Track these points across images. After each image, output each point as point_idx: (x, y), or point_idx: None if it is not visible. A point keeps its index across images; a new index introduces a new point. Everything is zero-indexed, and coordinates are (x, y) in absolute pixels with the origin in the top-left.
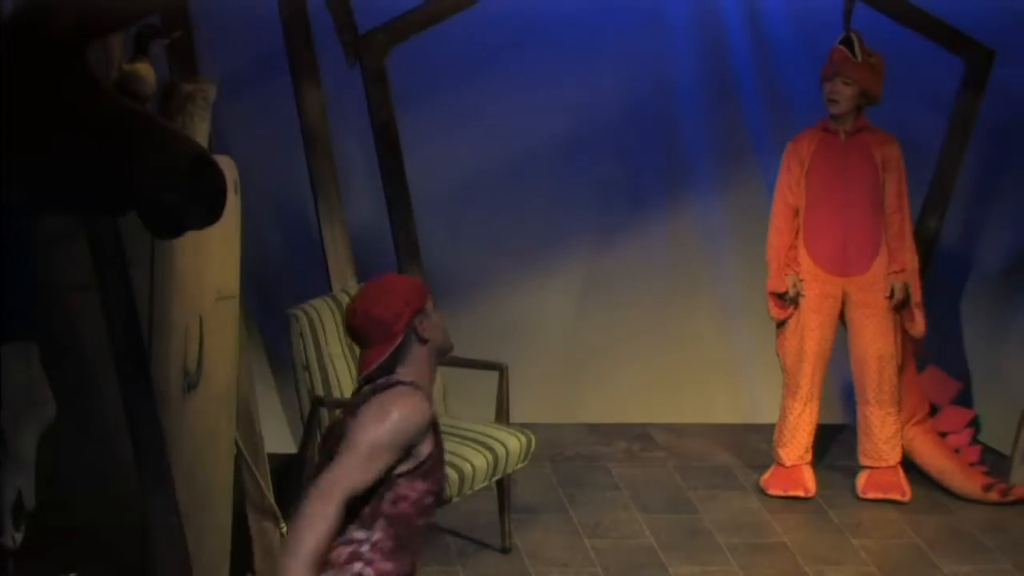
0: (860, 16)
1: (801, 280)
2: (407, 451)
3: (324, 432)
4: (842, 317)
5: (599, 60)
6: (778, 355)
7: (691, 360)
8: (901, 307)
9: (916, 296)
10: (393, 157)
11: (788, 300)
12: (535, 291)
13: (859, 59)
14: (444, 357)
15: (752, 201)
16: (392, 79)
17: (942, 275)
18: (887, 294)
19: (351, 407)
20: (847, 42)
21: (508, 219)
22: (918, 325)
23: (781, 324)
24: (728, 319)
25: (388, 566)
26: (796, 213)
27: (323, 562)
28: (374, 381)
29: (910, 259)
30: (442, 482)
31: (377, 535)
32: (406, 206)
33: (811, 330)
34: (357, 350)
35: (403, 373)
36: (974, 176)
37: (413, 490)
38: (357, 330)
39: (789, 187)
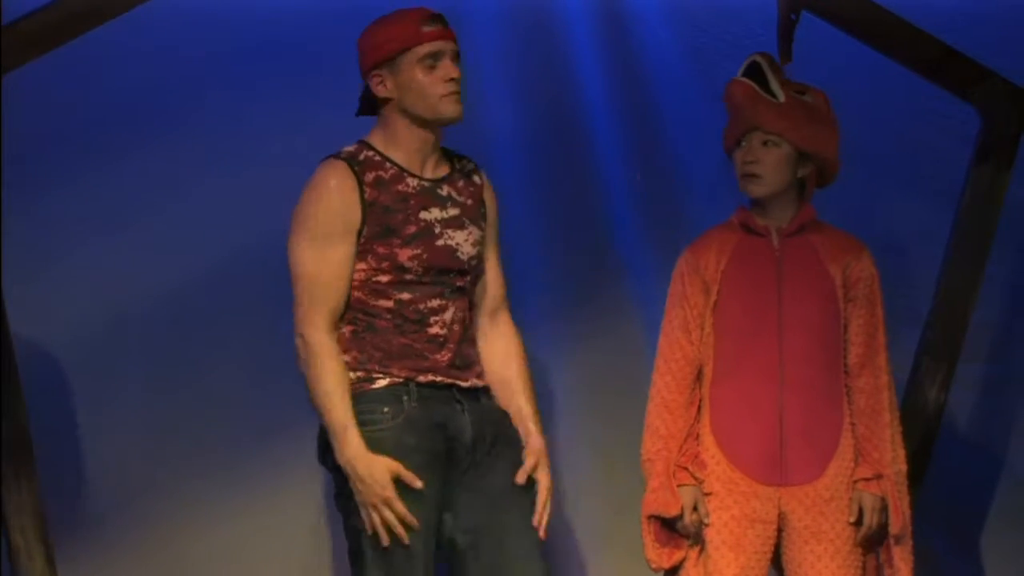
0: (809, 36)
1: (706, 495)
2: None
3: None
4: (777, 556)
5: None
6: None
7: None
8: (879, 539)
9: (898, 521)
10: None
11: (684, 531)
12: (255, 534)
13: (780, 98)
14: (437, 123)
15: (617, 359)
16: None
17: (949, 479)
18: (852, 517)
19: None
20: (753, 71)
21: (204, 404)
22: (899, 572)
23: (671, 574)
24: None
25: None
26: (697, 376)
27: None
28: None
29: (891, 456)
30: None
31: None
32: (11, 384)
33: None
34: None
35: (372, 134)
36: (1002, 306)
37: (357, 269)
38: None
39: (686, 330)
